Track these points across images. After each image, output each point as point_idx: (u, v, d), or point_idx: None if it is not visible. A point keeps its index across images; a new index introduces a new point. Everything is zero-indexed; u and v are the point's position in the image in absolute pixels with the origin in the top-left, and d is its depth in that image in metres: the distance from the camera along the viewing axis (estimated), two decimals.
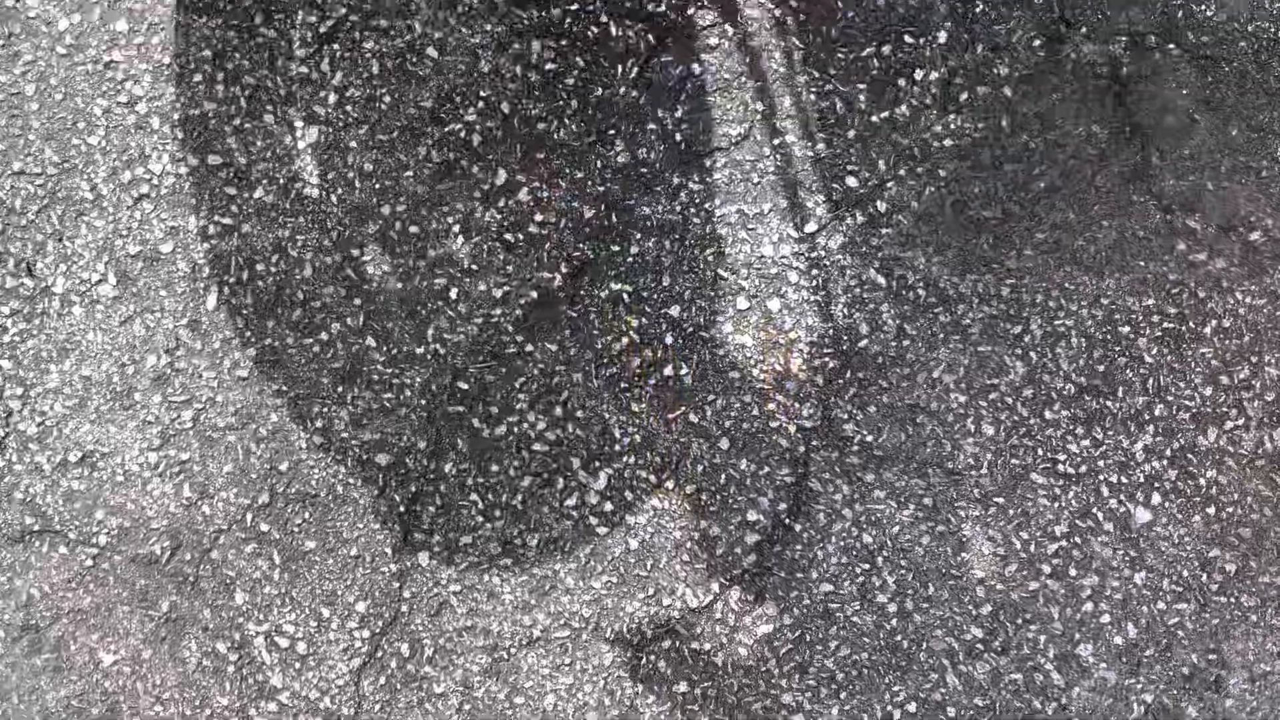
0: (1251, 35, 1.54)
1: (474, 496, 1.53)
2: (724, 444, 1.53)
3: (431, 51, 1.57)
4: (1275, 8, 1.54)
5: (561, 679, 1.50)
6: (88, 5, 1.59)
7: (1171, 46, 1.54)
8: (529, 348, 1.55)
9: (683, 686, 1.49)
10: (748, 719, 1.48)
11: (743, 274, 1.55)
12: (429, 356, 1.55)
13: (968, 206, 1.54)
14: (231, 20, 1.58)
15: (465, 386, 1.54)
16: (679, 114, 1.56)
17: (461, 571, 1.52)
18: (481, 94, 1.57)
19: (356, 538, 1.53)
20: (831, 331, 1.54)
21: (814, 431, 1.53)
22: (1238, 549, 1.49)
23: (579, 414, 1.54)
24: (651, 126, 1.56)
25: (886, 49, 1.55)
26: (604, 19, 1.57)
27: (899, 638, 1.49)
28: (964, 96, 1.55)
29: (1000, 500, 1.51)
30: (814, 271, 1.55)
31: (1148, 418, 1.52)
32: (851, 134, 1.55)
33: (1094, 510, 1.51)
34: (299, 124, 1.57)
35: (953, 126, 1.55)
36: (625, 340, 1.55)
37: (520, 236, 1.56)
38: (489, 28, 1.57)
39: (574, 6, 1.57)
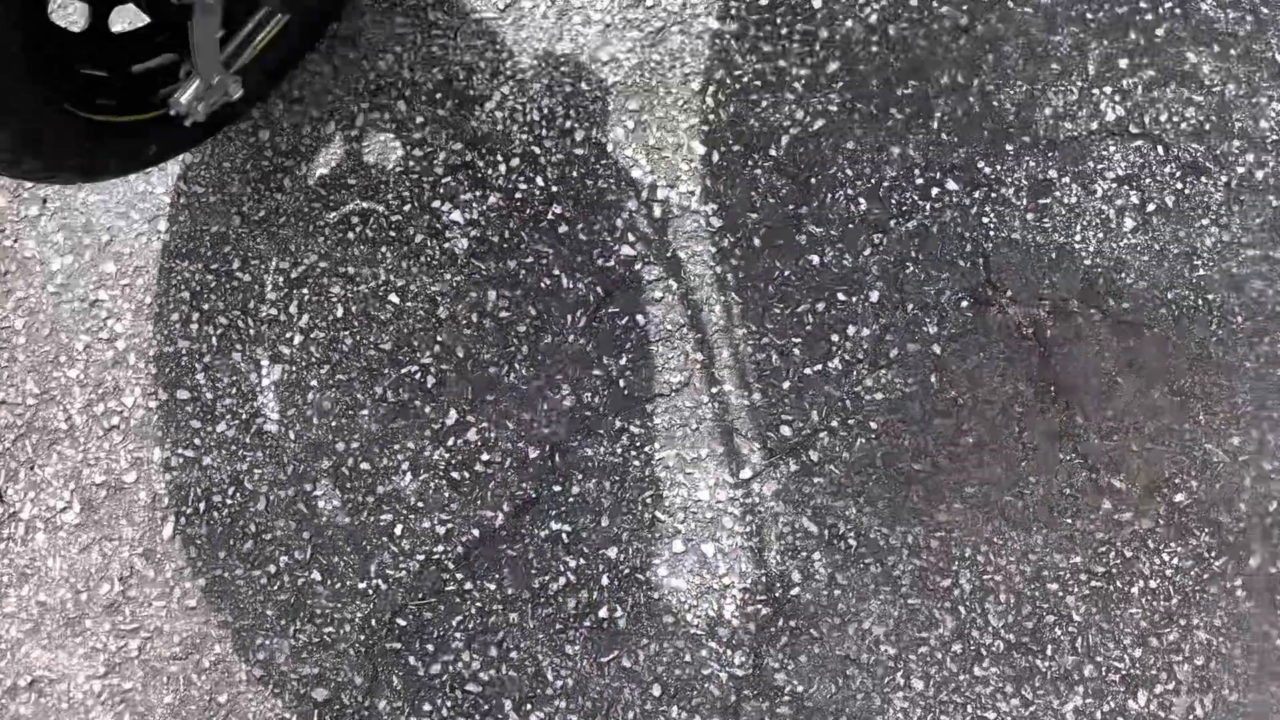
0: (1171, 303, 1.61)
1: None
2: (656, 690, 1.55)
3: (394, 298, 1.68)
4: (1194, 277, 1.61)
5: None
6: (80, 247, 1.72)
7: (1093, 311, 1.61)
8: (468, 586, 1.59)
9: None
10: None
11: (679, 517, 1.60)
12: (371, 592, 1.59)
13: (898, 459, 1.59)
14: (211, 264, 1.70)
15: (404, 623, 1.58)
16: (623, 361, 1.64)
17: None
18: (439, 338, 1.66)
19: None
20: (765, 578, 1.57)
21: (745, 680, 1.54)
22: None
23: (513, 654, 1.57)
24: (597, 372, 1.64)
25: (821, 306, 1.64)
26: (556, 272, 1.67)
27: None
28: (894, 352, 1.62)
29: None
30: (748, 517, 1.59)
31: (1077, 678, 1.52)
32: (786, 385, 1.62)
33: None
34: (265, 362, 1.66)
35: (883, 380, 1.61)
36: (562, 580, 1.59)
37: (466, 475, 1.62)
38: (448, 277, 1.68)
39: (529, 260, 1.67)
